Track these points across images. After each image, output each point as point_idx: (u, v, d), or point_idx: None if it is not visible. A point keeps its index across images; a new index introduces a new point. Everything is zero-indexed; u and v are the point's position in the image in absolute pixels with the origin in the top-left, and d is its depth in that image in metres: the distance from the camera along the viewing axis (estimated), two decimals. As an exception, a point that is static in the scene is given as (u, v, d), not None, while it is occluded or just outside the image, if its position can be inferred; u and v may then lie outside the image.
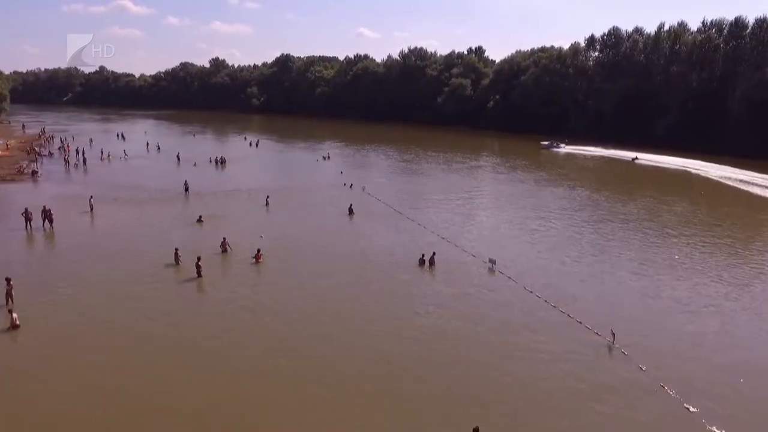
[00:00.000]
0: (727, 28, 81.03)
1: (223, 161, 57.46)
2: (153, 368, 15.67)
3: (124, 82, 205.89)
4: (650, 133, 79.80)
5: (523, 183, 48.84)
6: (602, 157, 69.51)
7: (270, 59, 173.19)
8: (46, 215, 29.97)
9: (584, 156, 70.55)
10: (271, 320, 19.03)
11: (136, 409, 13.75)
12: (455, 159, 64.69)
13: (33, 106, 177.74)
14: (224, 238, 26.22)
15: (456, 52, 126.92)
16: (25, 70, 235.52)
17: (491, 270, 24.09)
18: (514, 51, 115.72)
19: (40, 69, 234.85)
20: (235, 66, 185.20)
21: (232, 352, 16.64)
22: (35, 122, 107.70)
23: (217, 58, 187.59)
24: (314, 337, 17.70)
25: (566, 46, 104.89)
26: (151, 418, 13.46)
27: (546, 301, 20.56)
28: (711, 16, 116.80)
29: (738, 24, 79.20)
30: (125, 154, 61.04)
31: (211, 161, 57.32)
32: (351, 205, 35.23)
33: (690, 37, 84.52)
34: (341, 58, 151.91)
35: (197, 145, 75.35)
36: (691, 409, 13.91)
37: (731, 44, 79.73)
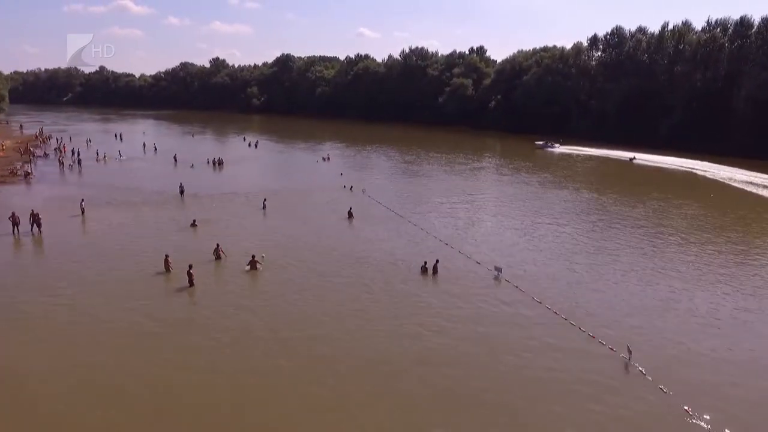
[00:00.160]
0: (732, 28, 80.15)
1: (220, 162, 56.43)
2: (148, 376, 14.67)
3: (124, 82, 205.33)
4: (654, 133, 78.96)
5: (528, 185, 47.74)
6: (597, 157, 68.80)
7: (270, 59, 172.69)
8: (34, 219, 28.91)
9: (580, 156, 69.84)
10: (261, 337, 17.92)
11: (135, 410, 13.61)
12: (457, 160, 63.63)
13: (33, 106, 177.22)
14: (218, 245, 25.15)
15: (457, 51, 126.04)
16: (25, 70, 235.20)
17: (497, 279, 22.99)
18: (515, 51, 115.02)
19: (40, 69, 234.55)
20: (235, 66, 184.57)
21: (224, 365, 15.63)
22: (34, 122, 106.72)
23: (218, 58, 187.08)
24: (310, 354, 16.64)
25: (567, 46, 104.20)
26: (151, 418, 13.37)
27: (556, 313, 19.45)
28: (711, 16, 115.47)
29: (743, 23, 78.33)
30: (120, 155, 60.02)
31: (208, 162, 56.31)
32: (351, 208, 34.15)
33: (694, 36, 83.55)
34: (342, 58, 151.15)
35: (196, 146, 74.37)
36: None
37: (736, 43, 78.82)
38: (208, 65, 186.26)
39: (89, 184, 44.82)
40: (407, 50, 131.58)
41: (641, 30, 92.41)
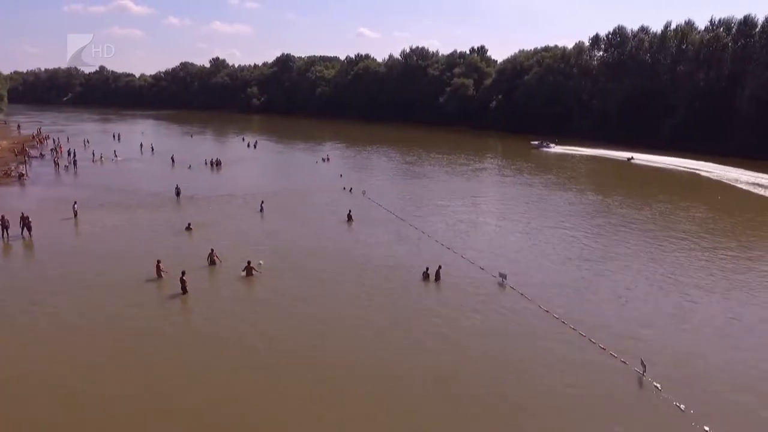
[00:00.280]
0: (735, 27, 79.42)
1: (218, 163, 55.59)
2: (131, 388, 13.82)
3: (124, 82, 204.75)
4: (656, 133, 78.32)
5: (531, 186, 46.87)
6: (594, 157, 68.17)
7: (270, 59, 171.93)
8: (24, 222, 28.06)
9: (576, 156, 69.26)
10: (257, 348, 17.06)
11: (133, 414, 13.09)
12: (459, 161, 62.79)
13: (33, 106, 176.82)
14: (212, 250, 24.29)
15: (458, 51, 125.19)
16: (25, 70, 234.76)
17: (502, 285, 22.12)
18: (515, 51, 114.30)
19: (40, 69, 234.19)
20: (235, 66, 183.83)
21: (215, 380, 14.77)
22: (33, 122, 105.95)
23: (218, 57, 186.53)
24: (306, 369, 15.79)
25: (568, 46, 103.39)
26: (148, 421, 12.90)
27: (564, 322, 18.57)
28: (707, 15, 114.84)
29: (747, 22, 77.55)
30: (115, 156, 59.18)
31: (206, 163, 55.46)
32: (350, 211, 33.29)
33: (697, 36, 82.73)
34: (342, 58, 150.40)
35: (194, 146, 73.58)
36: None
37: (740, 43, 78.06)
38: (208, 65, 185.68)
39: (84, 185, 44.01)
40: (407, 50, 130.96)
41: (644, 29, 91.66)
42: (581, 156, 69.57)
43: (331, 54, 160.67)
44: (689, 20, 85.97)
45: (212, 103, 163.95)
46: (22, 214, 28.48)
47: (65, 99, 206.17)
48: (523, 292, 21.19)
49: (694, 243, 29.23)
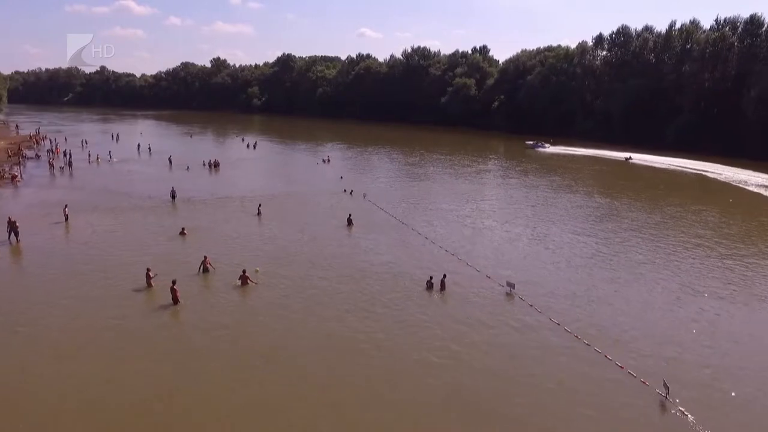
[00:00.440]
0: (741, 26, 78.21)
1: (216, 165, 54.48)
2: (115, 406, 12.72)
3: (125, 82, 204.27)
4: (661, 134, 77.23)
5: (536, 188, 45.68)
6: (591, 157, 67.21)
7: (272, 59, 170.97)
8: (12, 227, 26.94)
9: (573, 156, 68.41)
10: (252, 364, 15.93)
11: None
12: (462, 162, 61.66)
13: (34, 106, 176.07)
14: (205, 257, 23.16)
15: (460, 51, 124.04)
16: (26, 71, 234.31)
17: (509, 295, 20.98)
18: (518, 51, 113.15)
19: (41, 69, 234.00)
20: (236, 66, 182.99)
21: (208, 398, 13.66)
22: (33, 123, 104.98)
23: (218, 57, 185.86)
24: (305, 388, 14.66)
25: (571, 46, 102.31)
26: None
27: (577, 337, 17.41)
28: (710, 16, 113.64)
29: (753, 21, 76.29)
30: (110, 157, 58.08)
31: (204, 165, 54.36)
32: (350, 215, 32.14)
33: (702, 35, 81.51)
34: (343, 58, 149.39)
35: (193, 147, 72.55)
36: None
37: (746, 42, 76.78)
38: (209, 65, 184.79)
39: (78, 187, 42.94)
40: (409, 50, 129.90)
41: (648, 29, 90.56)
42: (577, 156, 68.76)
43: (332, 54, 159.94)
44: (694, 19, 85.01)
45: (213, 103, 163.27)
46: (9, 218, 27.35)
47: (66, 99, 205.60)
48: (533, 303, 20.03)
49: (710, 249, 28.03)
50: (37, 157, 60.00)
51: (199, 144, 79.40)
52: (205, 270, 22.83)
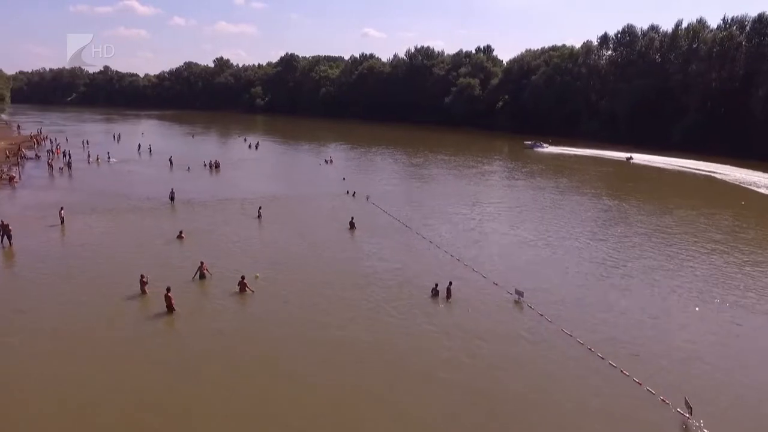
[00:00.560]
0: (749, 25, 77.06)
1: (217, 165, 53.73)
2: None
3: (128, 82, 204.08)
4: (666, 134, 76.41)
5: (543, 190, 44.75)
6: (591, 157, 66.37)
7: (275, 59, 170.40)
8: (4, 230, 26.20)
9: (571, 156, 67.67)
10: (250, 377, 15.09)
11: None
12: (467, 163, 60.78)
13: (37, 106, 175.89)
14: (202, 263, 22.32)
15: (464, 51, 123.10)
16: (30, 71, 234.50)
17: (518, 303, 20.09)
18: (522, 50, 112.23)
19: (44, 69, 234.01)
20: (239, 66, 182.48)
21: (202, 414, 12.83)
22: (35, 123, 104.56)
23: (221, 57, 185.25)
24: (303, 391, 13.83)
25: (576, 45, 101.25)
26: None
27: (591, 349, 16.51)
28: (711, 14, 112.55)
29: (761, 20, 75.25)
30: (109, 157, 57.38)
31: (205, 165, 53.60)
32: (353, 218, 31.27)
33: (709, 34, 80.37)
34: (346, 58, 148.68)
35: (195, 147, 71.87)
36: None
37: (754, 41, 75.65)
38: (212, 65, 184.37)
39: (76, 189, 42.23)
40: (412, 50, 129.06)
41: (654, 28, 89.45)
42: (577, 156, 68.03)
43: (335, 54, 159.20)
44: (701, 18, 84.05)
45: (216, 103, 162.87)
46: (2, 221, 26.60)
47: (69, 99, 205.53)
48: (543, 312, 19.12)
49: (726, 254, 27.05)
50: (37, 157, 59.34)
51: (201, 144, 78.72)
52: (202, 276, 22.02)
